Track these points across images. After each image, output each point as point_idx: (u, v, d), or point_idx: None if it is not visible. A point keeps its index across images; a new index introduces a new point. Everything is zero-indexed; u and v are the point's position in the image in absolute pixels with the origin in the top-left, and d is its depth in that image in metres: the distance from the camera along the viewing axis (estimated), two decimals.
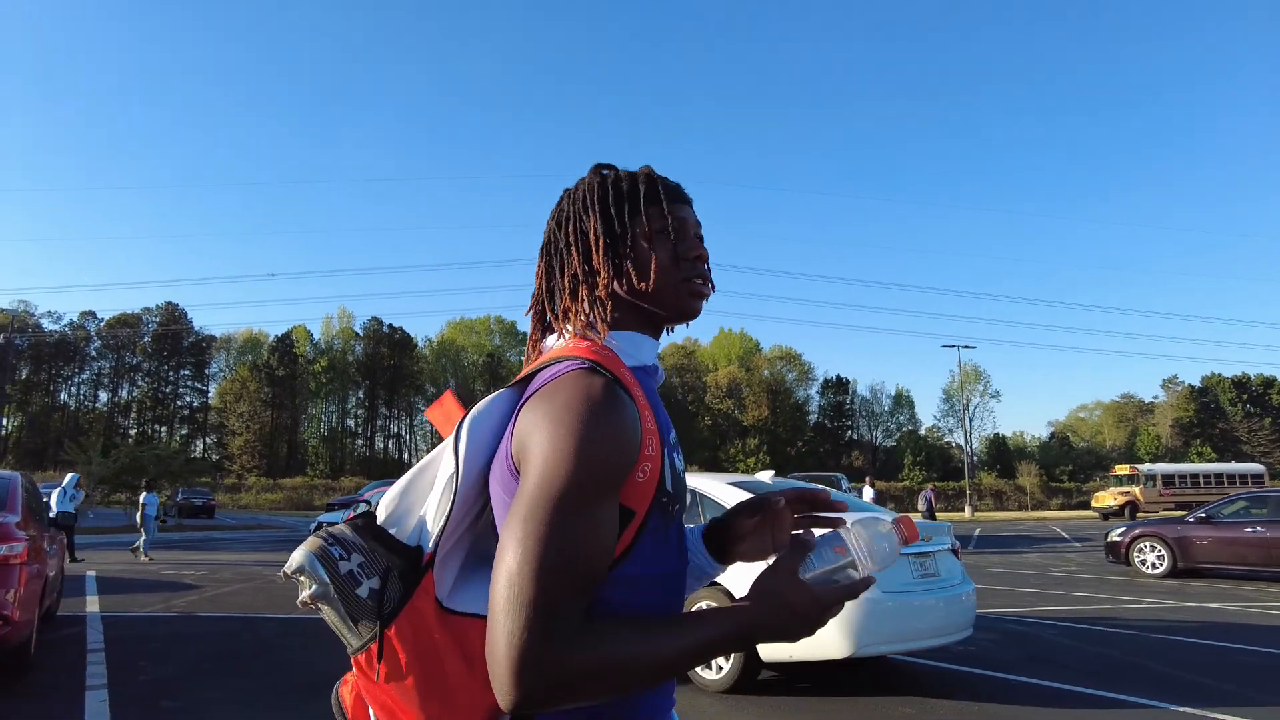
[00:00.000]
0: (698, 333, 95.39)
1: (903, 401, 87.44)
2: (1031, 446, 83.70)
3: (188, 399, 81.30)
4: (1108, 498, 40.66)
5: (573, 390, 0.91)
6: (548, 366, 0.99)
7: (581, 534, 0.85)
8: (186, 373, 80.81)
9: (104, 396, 79.66)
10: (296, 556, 0.96)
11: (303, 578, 0.95)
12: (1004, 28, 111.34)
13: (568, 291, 1.08)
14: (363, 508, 1.06)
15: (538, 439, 0.89)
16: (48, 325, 75.73)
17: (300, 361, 77.38)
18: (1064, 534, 27.08)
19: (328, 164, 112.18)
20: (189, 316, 79.87)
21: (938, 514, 22.37)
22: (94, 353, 78.76)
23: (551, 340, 1.11)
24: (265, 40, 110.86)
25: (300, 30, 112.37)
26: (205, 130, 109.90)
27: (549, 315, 1.12)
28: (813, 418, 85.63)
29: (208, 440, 79.28)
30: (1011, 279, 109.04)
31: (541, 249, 1.14)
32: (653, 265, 1.06)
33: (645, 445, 0.93)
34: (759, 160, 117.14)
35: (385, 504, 1.02)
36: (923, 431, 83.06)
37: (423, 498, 1.01)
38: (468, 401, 1.05)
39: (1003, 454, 76.16)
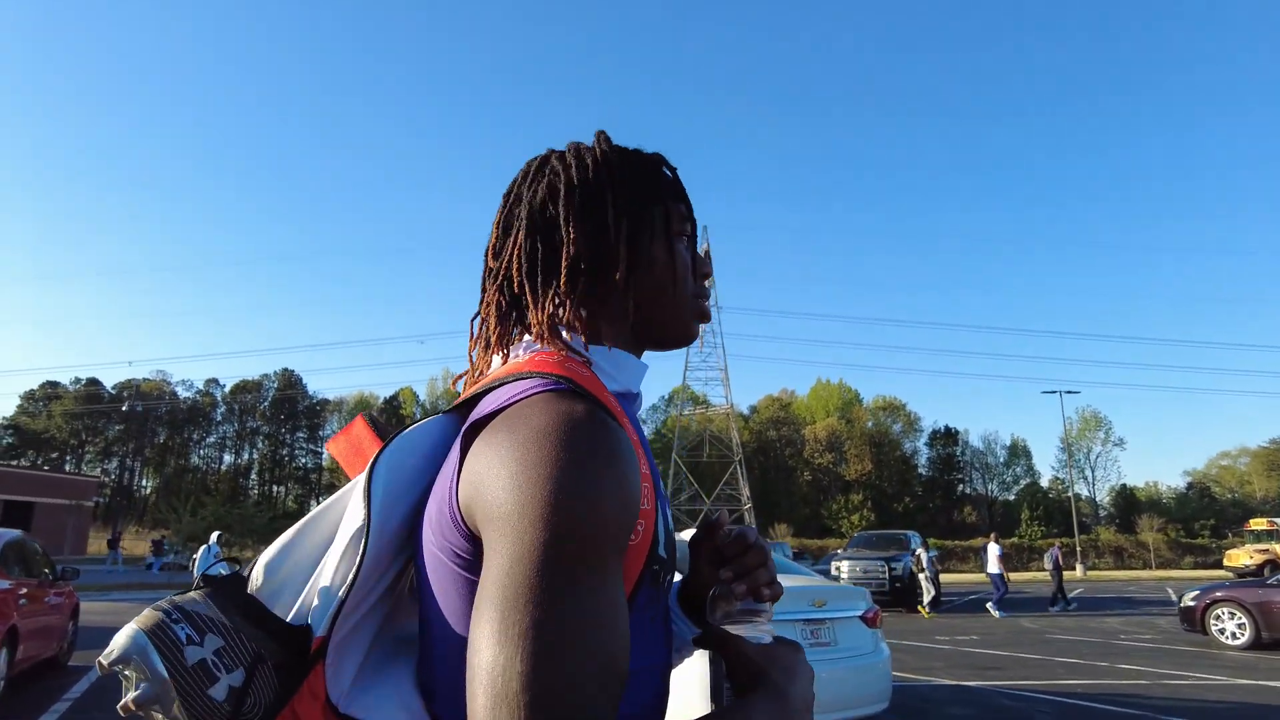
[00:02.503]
0: (793, 384, 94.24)
1: (1019, 452, 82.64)
2: (1167, 498, 76.98)
3: (303, 460, 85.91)
4: (1243, 556, 36.50)
5: (545, 420, 0.64)
6: (502, 385, 0.72)
7: (590, 625, 0.57)
8: (302, 435, 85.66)
9: (228, 458, 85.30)
10: (120, 639, 0.66)
11: (128, 670, 0.66)
12: (1118, 51, 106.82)
13: (562, 280, 0.79)
14: (221, 567, 0.77)
15: (502, 486, 0.61)
16: (181, 393, 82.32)
17: (407, 422, 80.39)
18: (1175, 597, 24.52)
19: (428, 229, 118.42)
20: (304, 382, 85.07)
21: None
22: (219, 417, 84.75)
23: (513, 351, 0.82)
24: (371, 117, 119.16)
25: (416, 106, 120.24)
26: (315, 210, 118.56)
27: (525, 310, 0.82)
28: (922, 471, 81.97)
29: (321, 500, 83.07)
30: (1136, 318, 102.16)
31: (508, 219, 0.85)
32: (674, 266, 0.85)
33: (642, 497, 0.66)
34: (850, 204, 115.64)
35: (265, 563, 0.75)
36: (1045, 484, 78.01)
37: (314, 558, 0.74)
38: (387, 433, 0.82)
39: (1131, 506, 70.31)
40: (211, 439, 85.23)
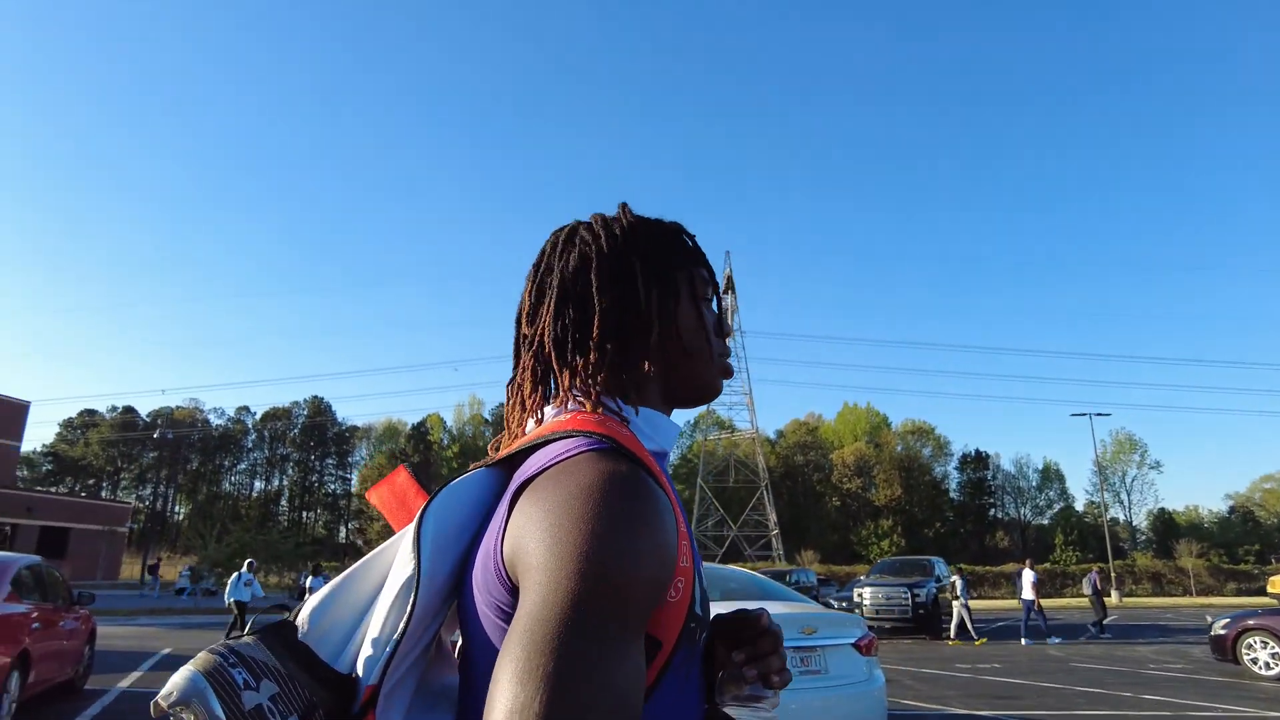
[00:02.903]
0: (820, 407, 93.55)
1: (1051, 476, 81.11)
2: (1209, 523, 74.95)
3: (332, 486, 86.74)
4: None
5: (590, 476, 0.66)
6: (546, 444, 0.75)
7: (611, 678, 0.58)
8: (331, 461, 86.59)
9: (259, 485, 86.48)
10: (179, 680, 0.65)
11: (186, 714, 0.64)
12: (1142, 75, 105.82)
13: (595, 344, 0.83)
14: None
15: (542, 541, 0.63)
16: (214, 421, 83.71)
17: (434, 448, 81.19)
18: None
19: (457, 258, 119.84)
20: (333, 409, 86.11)
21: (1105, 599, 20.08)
22: (250, 444, 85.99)
23: (550, 412, 0.85)
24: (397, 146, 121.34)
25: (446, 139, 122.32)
26: (342, 239, 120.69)
27: (559, 374, 0.85)
28: (953, 496, 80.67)
29: (349, 526, 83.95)
30: (1173, 339, 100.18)
31: (540, 287, 0.89)
32: (701, 328, 0.90)
33: (681, 555, 0.69)
34: (877, 226, 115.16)
35: (310, 610, 0.75)
36: (1080, 507, 76.37)
37: (362, 603, 0.76)
38: (428, 485, 0.84)
39: (1169, 531, 68.54)
40: (243, 465, 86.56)
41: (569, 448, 0.71)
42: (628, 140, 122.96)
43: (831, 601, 24.86)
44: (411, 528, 0.74)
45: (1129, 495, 75.59)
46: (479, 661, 0.71)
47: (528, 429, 0.87)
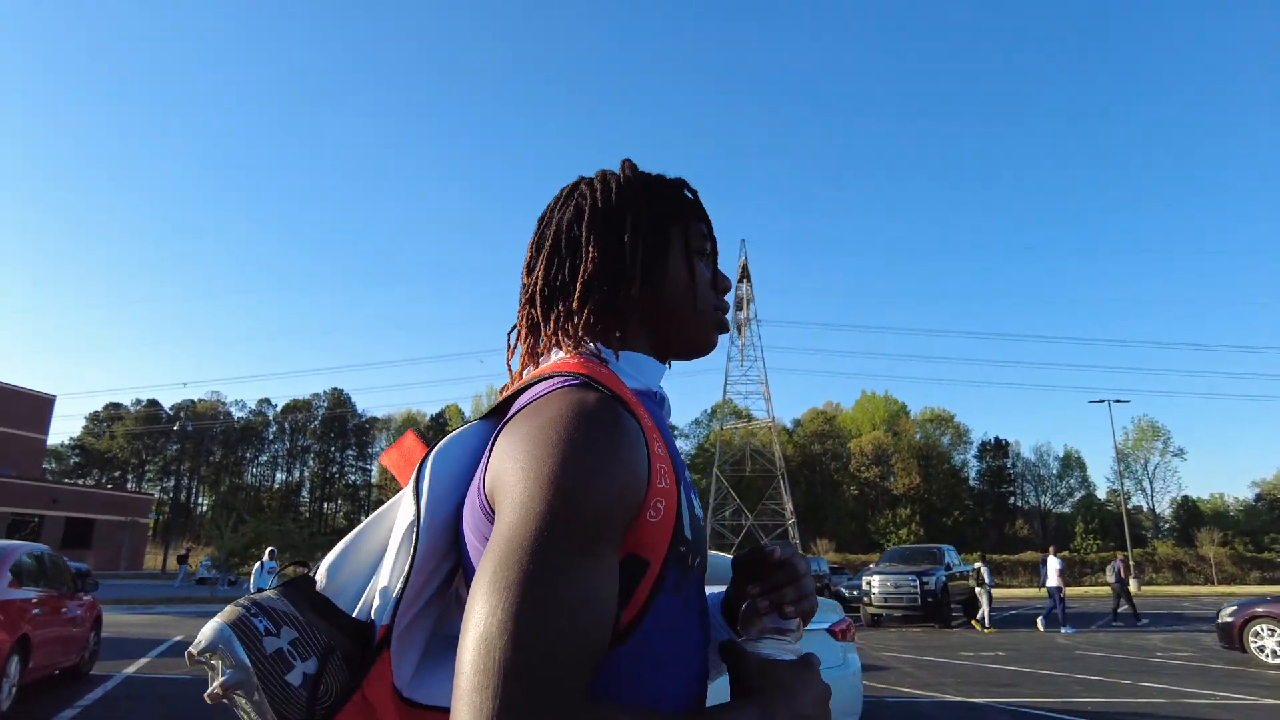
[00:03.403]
0: (839, 396, 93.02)
1: (1072, 464, 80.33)
2: (1235, 511, 73.89)
3: (352, 477, 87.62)
4: None
5: (559, 406, 0.72)
6: (530, 387, 0.81)
7: (576, 586, 0.63)
8: (351, 453, 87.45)
9: (280, 476, 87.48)
10: (207, 631, 0.73)
11: (215, 659, 0.72)
12: (1144, 65, 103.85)
13: (578, 293, 0.86)
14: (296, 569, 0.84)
15: (514, 468, 0.68)
16: (236, 413, 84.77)
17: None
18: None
19: (475, 250, 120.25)
20: (353, 401, 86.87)
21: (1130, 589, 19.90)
22: (271, 436, 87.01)
23: (547, 359, 0.89)
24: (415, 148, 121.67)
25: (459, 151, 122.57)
26: (357, 234, 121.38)
27: (546, 321, 0.89)
28: (972, 484, 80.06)
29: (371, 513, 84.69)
30: (1197, 324, 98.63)
31: (540, 239, 0.93)
32: (692, 281, 0.91)
33: (656, 476, 0.72)
34: (895, 214, 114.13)
35: (327, 565, 0.81)
36: (1103, 495, 75.54)
37: (374, 557, 0.81)
38: (434, 443, 0.87)
39: (1193, 519, 67.66)
40: (264, 457, 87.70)
41: (545, 386, 0.77)
42: (645, 128, 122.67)
43: (843, 590, 24.82)
44: (412, 479, 0.79)
45: (1151, 483, 74.77)
46: None
47: (525, 376, 0.90)
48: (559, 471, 0.65)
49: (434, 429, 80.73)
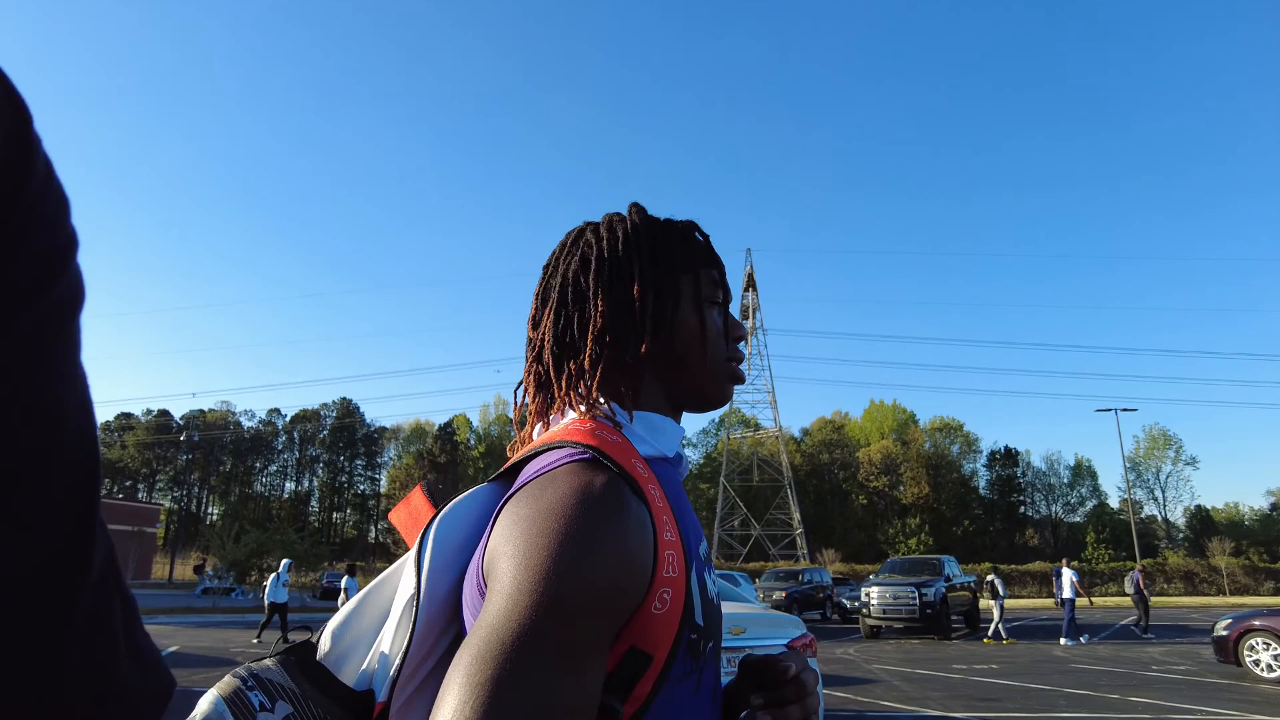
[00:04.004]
0: (846, 405, 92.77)
1: (1083, 473, 79.59)
2: (1250, 520, 73.02)
3: (361, 487, 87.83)
4: None
5: (563, 489, 0.68)
6: (540, 454, 0.77)
7: (549, 694, 0.60)
8: (360, 462, 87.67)
9: (290, 485, 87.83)
10: (203, 705, 0.72)
11: None
12: (1153, 72, 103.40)
13: (589, 351, 0.83)
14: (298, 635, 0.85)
15: (509, 553, 0.66)
16: (245, 423, 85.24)
17: (461, 448, 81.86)
18: None
19: (486, 259, 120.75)
20: (361, 410, 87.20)
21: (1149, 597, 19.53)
22: (280, 446, 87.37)
23: (555, 418, 0.87)
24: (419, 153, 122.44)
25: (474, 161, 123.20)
26: (373, 244, 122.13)
27: (557, 380, 0.85)
28: (982, 493, 79.48)
29: (379, 526, 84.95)
30: (1210, 332, 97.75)
31: (545, 290, 0.90)
32: (704, 333, 0.87)
33: (663, 565, 0.69)
34: (901, 222, 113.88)
35: (331, 630, 0.79)
36: (1115, 504, 74.81)
37: (377, 623, 0.79)
38: (446, 498, 0.84)
39: (1207, 528, 66.91)
40: (274, 467, 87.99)
41: (554, 459, 0.73)
42: (650, 134, 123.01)
43: (844, 601, 24.69)
44: (415, 547, 0.77)
45: (1164, 492, 73.98)
46: None
47: (535, 434, 0.87)
48: (550, 567, 0.63)
49: (442, 438, 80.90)
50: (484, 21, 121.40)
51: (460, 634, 0.75)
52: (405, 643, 0.72)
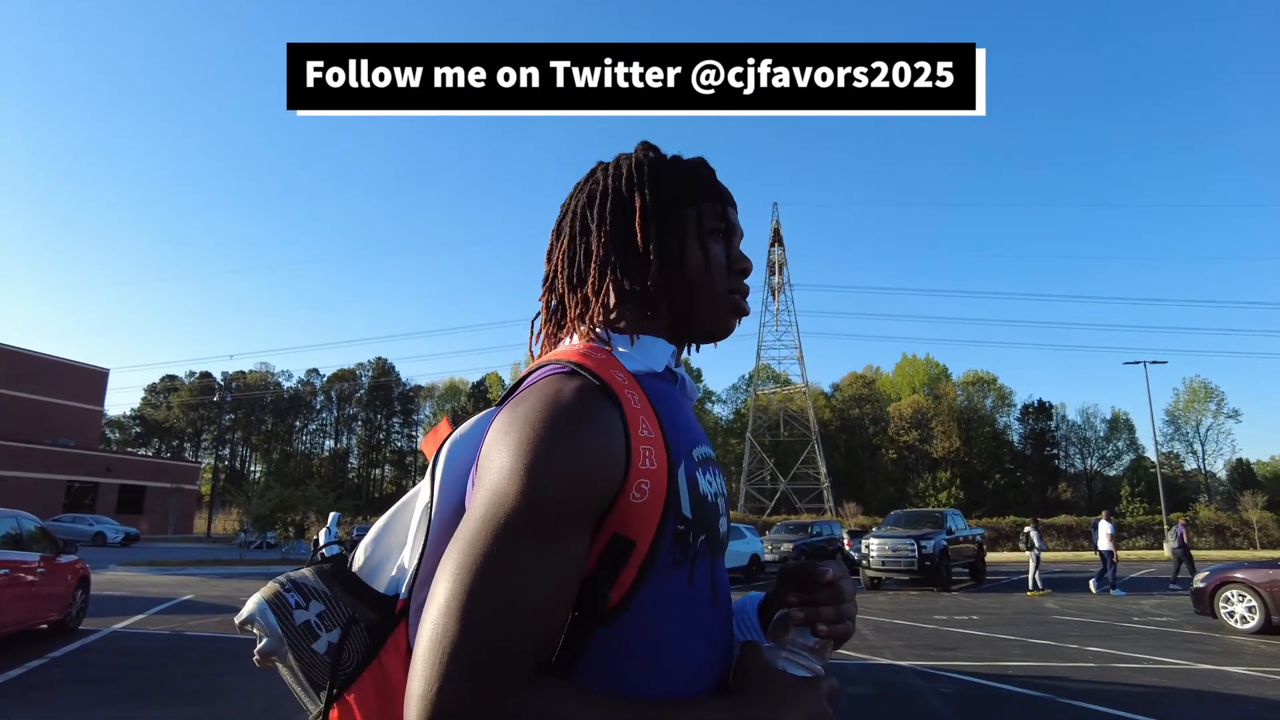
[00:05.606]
0: (879, 360, 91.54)
1: (1120, 426, 78.04)
2: None
3: (399, 444, 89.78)
4: None
5: (536, 397, 0.77)
6: (531, 374, 0.86)
7: (529, 567, 0.69)
8: (397, 420, 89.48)
9: (329, 444, 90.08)
10: (249, 605, 0.84)
11: (254, 629, 0.84)
12: (1188, 29, 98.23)
13: (592, 279, 0.90)
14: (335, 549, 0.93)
15: (490, 455, 0.75)
16: (284, 384, 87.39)
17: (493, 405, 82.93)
18: None
19: (520, 216, 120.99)
20: (397, 369, 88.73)
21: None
22: (319, 405, 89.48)
23: (565, 343, 0.94)
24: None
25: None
26: (398, 204, 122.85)
27: (566, 308, 0.94)
28: (1016, 447, 78.53)
29: (416, 480, 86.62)
30: (1252, 282, 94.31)
31: (559, 226, 0.97)
32: (706, 264, 0.92)
33: (638, 458, 0.75)
34: (933, 174, 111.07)
35: (363, 548, 0.89)
36: (1153, 458, 73.41)
37: (402, 538, 0.87)
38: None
39: (1246, 482, 65.49)
40: (313, 426, 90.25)
41: (538, 375, 0.82)
42: None
43: (854, 554, 24.85)
44: (430, 465, 0.86)
45: (1203, 445, 72.37)
46: None
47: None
48: (522, 462, 0.70)
49: (476, 396, 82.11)
50: None
51: None
52: (421, 546, 0.81)
